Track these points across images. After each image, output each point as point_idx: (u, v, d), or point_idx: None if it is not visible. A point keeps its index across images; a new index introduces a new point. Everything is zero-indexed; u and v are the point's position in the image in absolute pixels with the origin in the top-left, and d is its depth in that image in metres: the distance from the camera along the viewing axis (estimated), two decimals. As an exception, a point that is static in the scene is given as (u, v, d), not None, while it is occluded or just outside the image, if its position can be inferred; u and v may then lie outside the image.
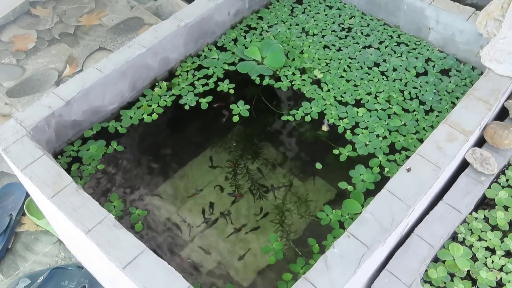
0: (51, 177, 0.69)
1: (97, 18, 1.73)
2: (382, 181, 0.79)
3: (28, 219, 1.17)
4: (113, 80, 0.86)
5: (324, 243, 0.72)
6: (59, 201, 0.67)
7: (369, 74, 0.97)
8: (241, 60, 0.99)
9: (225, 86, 0.94)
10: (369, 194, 0.77)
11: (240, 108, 0.91)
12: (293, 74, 0.97)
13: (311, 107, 0.91)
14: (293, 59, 1.00)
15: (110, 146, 0.84)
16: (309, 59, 0.99)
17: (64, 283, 1.04)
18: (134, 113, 0.89)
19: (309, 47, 1.03)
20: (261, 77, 0.97)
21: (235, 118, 0.90)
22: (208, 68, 0.98)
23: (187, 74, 0.96)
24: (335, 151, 0.84)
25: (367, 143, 0.85)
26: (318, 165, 0.82)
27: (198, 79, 0.96)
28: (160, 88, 0.92)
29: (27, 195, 1.19)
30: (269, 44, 1.00)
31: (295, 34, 1.05)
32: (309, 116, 0.90)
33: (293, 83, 0.95)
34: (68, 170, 0.80)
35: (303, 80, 0.96)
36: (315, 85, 0.95)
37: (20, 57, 1.55)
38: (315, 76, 0.96)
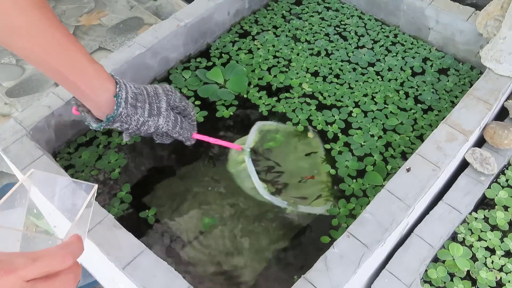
0: (51, 177, 0.69)
1: (96, 18, 1.73)
2: (365, 171, 0.81)
3: (28, 219, 1.17)
4: (112, 80, 0.86)
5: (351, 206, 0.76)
6: (58, 201, 0.67)
7: (364, 75, 0.97)
8: (205, 83, 0.94)
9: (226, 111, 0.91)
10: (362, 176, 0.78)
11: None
12: (260, 98, 0.92)
13: (297, 116, 0.89)
14: (275, 76, 0.96)
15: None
16: (293, 73, 0.96)
17: None
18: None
19: (298, 54, 1.00)
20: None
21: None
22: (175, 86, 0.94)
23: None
24: (334, 151, 0.84)
25: (362, 143, 0.85)
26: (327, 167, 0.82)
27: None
28: None
29: (27, 195, 1.19)
30: (233, 66, 0.96)
31: (283, 42, 1.02)
32: (300, 125, 0.88)
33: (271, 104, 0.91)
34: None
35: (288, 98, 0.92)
36: (302, 98, 0.92)
37: (20, 57, 1.55)
38: (303, 89, 0.93)
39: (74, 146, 0.84)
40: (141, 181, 0.81)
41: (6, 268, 0.40)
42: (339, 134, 0.86)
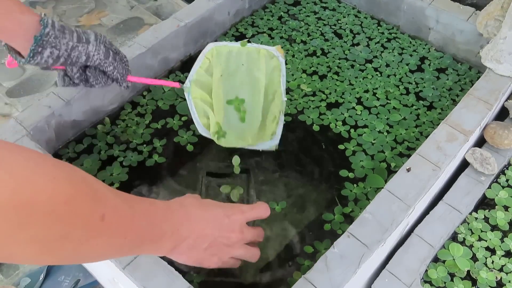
0: (51, 177, 0.69)
1: (97, 18, 1.73)
2: (379, 169, 0.81)
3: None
4: (113, 80, 0.86)
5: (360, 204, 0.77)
6: (59, 201, 0.67)
7: (363, 71, 0.97)
8: (184, 99, 0.88)
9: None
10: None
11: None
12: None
13: (309, 116, 0.89)
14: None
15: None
16: (288, 75, 0.95)
17: (60, 279, 1.07)
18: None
19: (293, 56, 1.00)
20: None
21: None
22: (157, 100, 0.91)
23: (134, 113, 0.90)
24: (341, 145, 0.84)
25: (373, 141, 0.85)
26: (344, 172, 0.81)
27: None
28: (104, 125, 0.87)
29: (27, 195, 1.19)
30: None
31: (278, 44, 1.02)
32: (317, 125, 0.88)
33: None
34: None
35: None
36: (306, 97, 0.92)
37: (20, 57, 1.55)
38: (303, 90, 0.93)
39: (73, 146, 0.84)
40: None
41: (237, 210, 0.60)
42: (352, 133, 0.86)
